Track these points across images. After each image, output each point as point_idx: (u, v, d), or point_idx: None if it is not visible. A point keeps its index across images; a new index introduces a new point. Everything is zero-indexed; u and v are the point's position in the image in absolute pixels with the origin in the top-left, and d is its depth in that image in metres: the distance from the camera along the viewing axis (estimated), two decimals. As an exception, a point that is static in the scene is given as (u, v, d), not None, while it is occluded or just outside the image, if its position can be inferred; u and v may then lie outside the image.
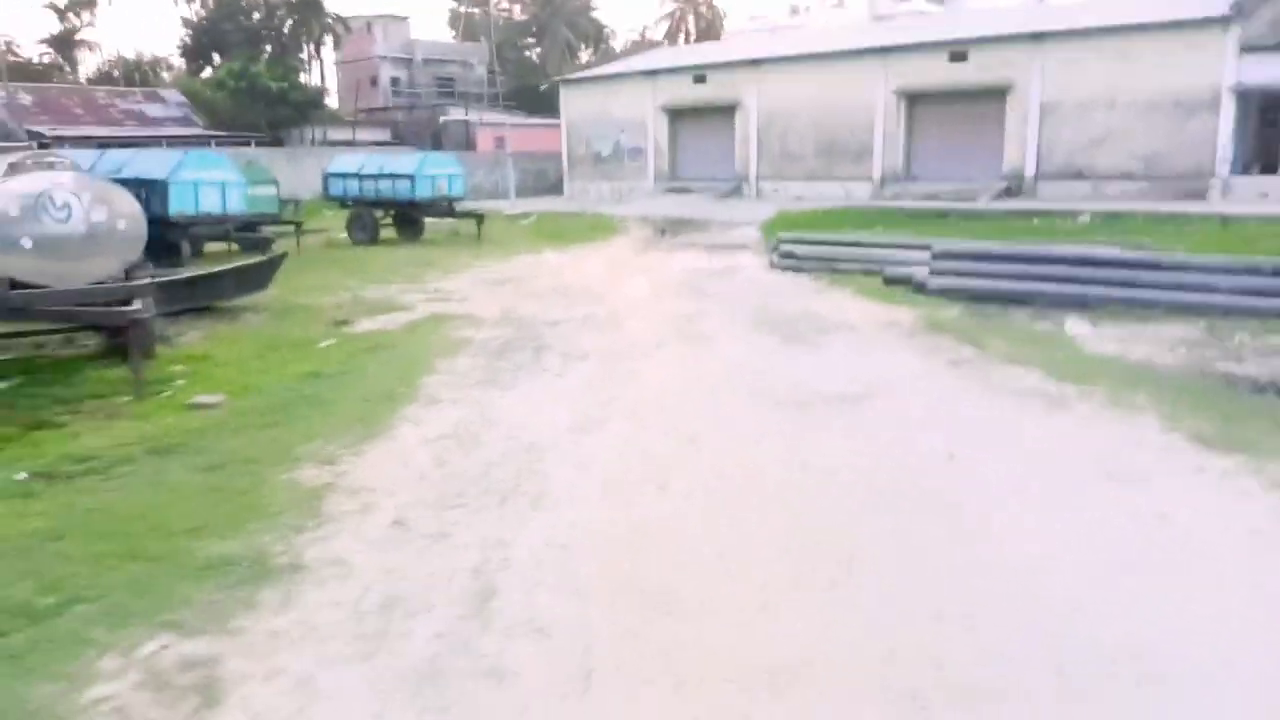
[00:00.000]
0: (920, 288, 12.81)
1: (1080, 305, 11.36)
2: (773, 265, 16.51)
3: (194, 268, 14.20)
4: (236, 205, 16.94)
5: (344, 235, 22.95)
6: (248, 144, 38.09)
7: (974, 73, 30.23)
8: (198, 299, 11.64)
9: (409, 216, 23.36)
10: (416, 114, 49.50)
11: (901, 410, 7.21)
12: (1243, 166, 26.80)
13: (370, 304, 13.25)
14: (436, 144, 45.80)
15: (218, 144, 37.62)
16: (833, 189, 32.99)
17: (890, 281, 13.57)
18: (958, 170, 30.80)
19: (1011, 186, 29.65)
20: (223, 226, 16.79)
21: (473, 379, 8.49)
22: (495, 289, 14.75)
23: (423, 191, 21.94)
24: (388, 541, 4.86)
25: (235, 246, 17.36)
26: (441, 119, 45.16)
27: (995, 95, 29.83)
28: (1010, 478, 5.62)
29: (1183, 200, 25.98)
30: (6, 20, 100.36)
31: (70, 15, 53.47)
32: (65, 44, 54.66)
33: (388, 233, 23.73)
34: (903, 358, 8.95)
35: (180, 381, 8.37)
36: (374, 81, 56.38)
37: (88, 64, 55.38)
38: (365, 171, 22.59)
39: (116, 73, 51.86)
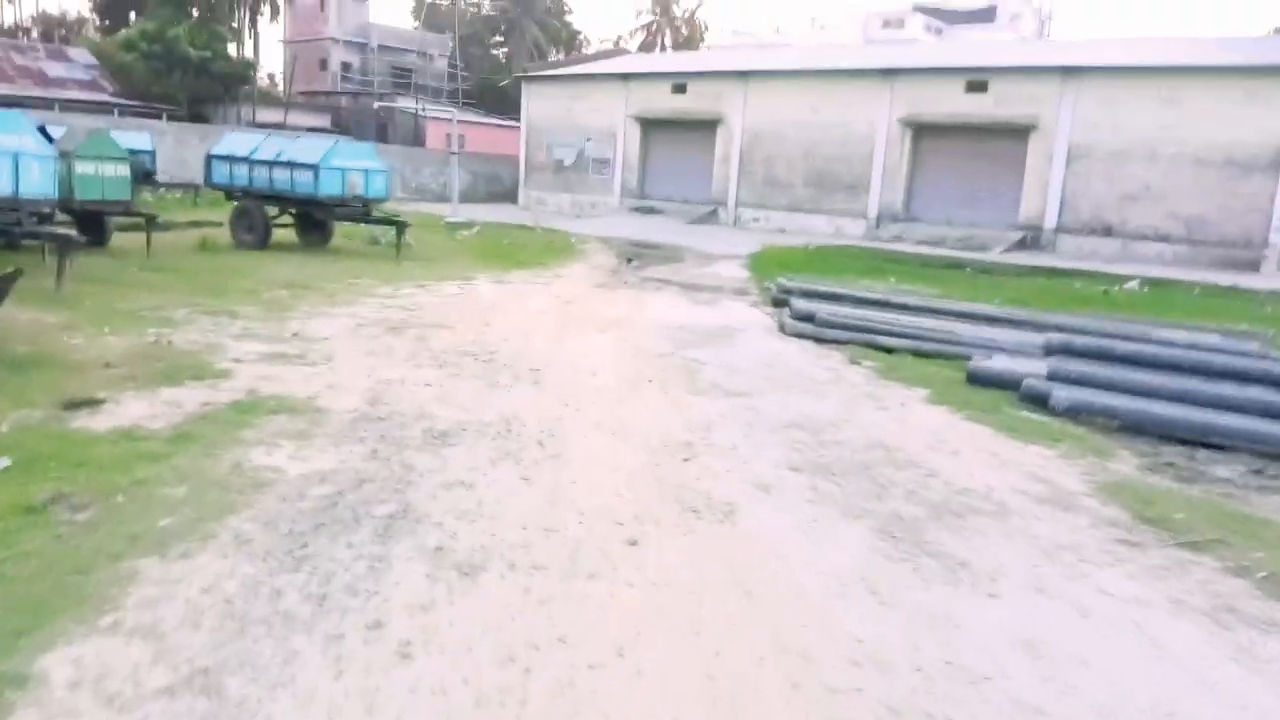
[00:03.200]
0: (1033, 398, 8.04)
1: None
2: (783, 329, 11.65)
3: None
4: (36, 186, 11.61)
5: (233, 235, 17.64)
6: (159, 117, 32.35)
7: (993, 105, 25.90)
8: None
9: (313, 218, 18.09)
10: (363, 102, 43.97)
11: None
12: (1296, 237, 22.67)
13: (170, 360, 8.07)
14: (382, 136, 40.41)
15: (122, 113, 31.87)
16: (821, 223, 28.45)
17: (977, 382, 8.77)
18: (965, 214, 26.47)
19: (1027, 238, 25.31)
20: (10, 215, 11.45)
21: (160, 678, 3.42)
22: (383, 341, 9.64)
23: (328, 187, 16.71)
24: None
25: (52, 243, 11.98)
26: (375, 105, 39.63)
27: (1016, 133, 25.54)
28: None
29: (1226, 270, 21.78)
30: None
31: (-13, -39, 46.86)
32: (-22, -7, 48.02)
33: (285, 236, 18.45)
34: (1161, 624, 4.09)
35: None
36: (323, 64, 50.76)
37: (5, 16, 48.75)
38: (258, 156, 17.29)
39: (36, 31, 45.52)
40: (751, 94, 30.44)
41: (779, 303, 14.16)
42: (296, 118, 39.38)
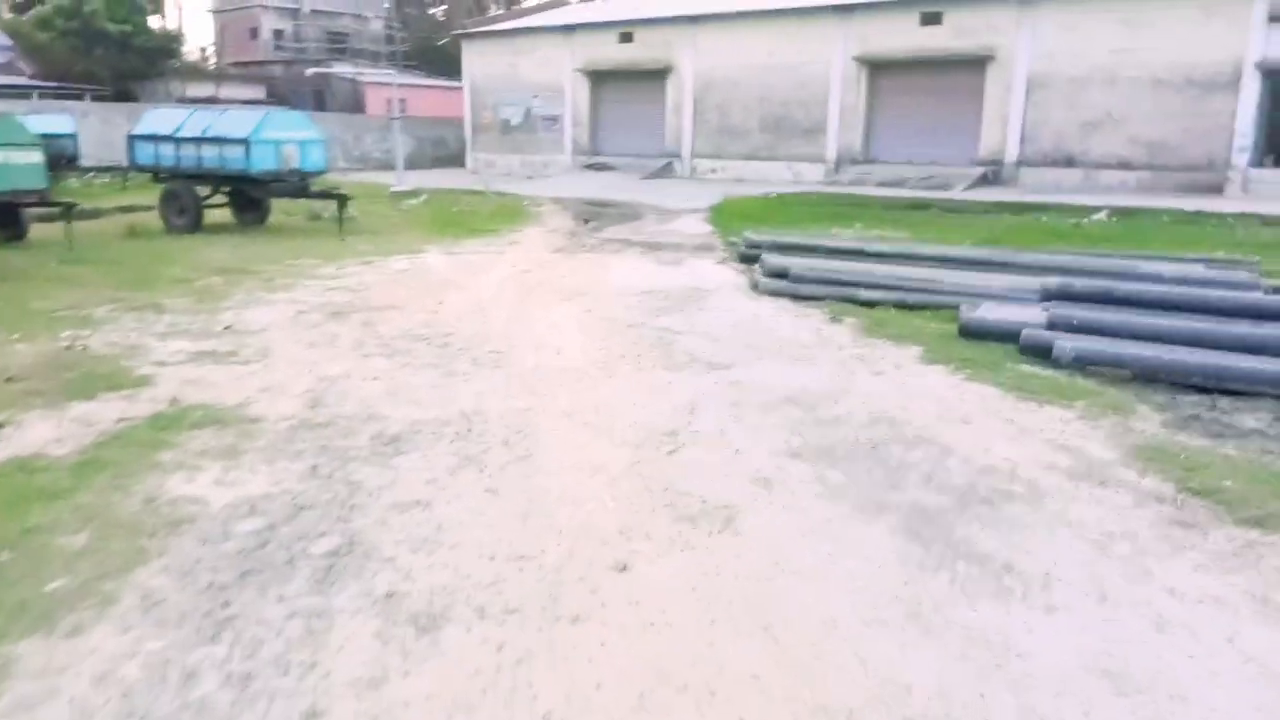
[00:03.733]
0: (1034, 350, 7.41)
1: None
2: (756, 287, 10.92)
3: None
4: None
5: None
6: (81, 97, 30.55)
7: (949, 38, 25.15)
8: None
9: (247, 196, 16.95)
10: (297, 70, 42.11)
11: None
12: (1258, 158, 22.30)
13: (85, 368, 7.16)
14: (320, 104, 38.76)
15: (43, 96, 30.05)
16: (779, 170, 27.68)
17: (971, 334, 8.13)
18: (926, 152, 25.83)
19: (989, 173, 24.75)
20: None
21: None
22: (326, 330, 8.77)
23: (261, 162, 15.58)
24: None
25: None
26: (307, 71, 37.88)
27: (973, 65, 24.84)
28: None
29: (1192, 195, 21.38)
30: None
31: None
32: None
33: (220, 216, 17.30)
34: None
35: None
36: (254, 33, 48.55)
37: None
38: (184, 134, 16.07)
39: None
40: (702, 39, 29.36)
41: (747, 258, 13.43)
42: (229, 90, 37.57)
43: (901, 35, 25.79)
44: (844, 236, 16.04)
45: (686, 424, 5.83)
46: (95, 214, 16.30)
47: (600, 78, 32.13)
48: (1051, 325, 7.65)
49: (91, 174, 25.84)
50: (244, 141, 15.44)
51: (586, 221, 19.47)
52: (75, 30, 31.77)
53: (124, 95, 33.79)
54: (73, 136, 23.25)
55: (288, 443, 5.46)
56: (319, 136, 16.74)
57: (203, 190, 16.57)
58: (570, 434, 5.65)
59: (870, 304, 9.88)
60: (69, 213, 13.67)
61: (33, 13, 33.04)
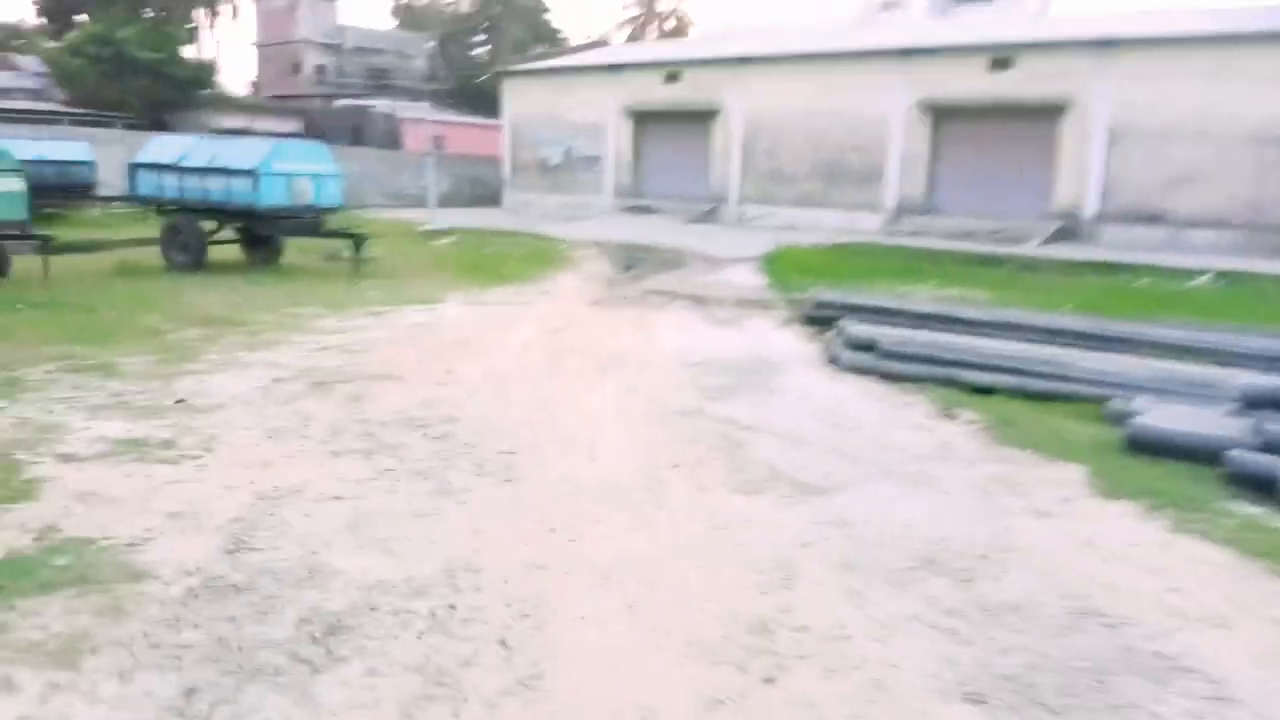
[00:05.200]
0: (1248, 480, 5.29)
1: None
2: (835, 361, 8.87)
3: None
4: None
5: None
6: (111, 125, 29.44)
7: (1021, 84, 23.14)
8: None
9: (257, 233, 15.26)
10: (336, 104, 41.05)
11: None
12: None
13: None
14: (357, 139, 37.54)
15: (71, 122, 28.97)
16: (832, 218, 25.69)
17: (1143, 448, 6.01)
18: (993, 204, 23.72)
19: (1064, 228, 22.57)
20: None
21: None
22: (300, 408, 6.84)
23: (270, 196, 13.87)
24: None
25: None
26: (336, 103, 36.62)
27: (1047, 113, 22.78)
28: None
29: (1293, 258, 19.05)
30: None
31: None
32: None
33: (230, 254, 15.61)
34: None
35: None
36: (296, 68, 47.85)
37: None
38: (189, 163, 14.45)
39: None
40: (752, 80, 27.60)
41: (815, 320, 11.42)
42: (265, 122, 36.45)
43: (969, 80, 23.84)
44: (919, 296, 13.98)
45: (783, 609, 3.77)
46: (91, 247, 14.60)
47: (644, 118, 30.49)
48: (1270, 447, 5.52)
49: (115, 203, 24.46)
50: (251, 173, 13.77)
51: (627, 268, 17.58)
52: (108, 58, 30.79)
53: (158, 125, 32.74)
54: (90, 164, 21.89)
55: (170, 629, 3.47)
56: (335, 170, 15.03)
57: (209, 225, 14.93)
58: (605, 627, 3.62)
59: (986, 390, 7.81)
60: (46, 247, 11.99)
61: (65, 39, 32.26)
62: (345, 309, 11.56)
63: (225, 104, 37.52)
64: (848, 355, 8.65)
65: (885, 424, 6.81)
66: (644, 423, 6.68)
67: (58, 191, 21.44)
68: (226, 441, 5.96)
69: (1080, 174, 22.50)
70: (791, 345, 10.16)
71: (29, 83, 31.84)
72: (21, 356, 8.18)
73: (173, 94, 33.53)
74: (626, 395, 7.52)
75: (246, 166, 13.80)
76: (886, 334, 8.72)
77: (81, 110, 30.20)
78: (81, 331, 9.42)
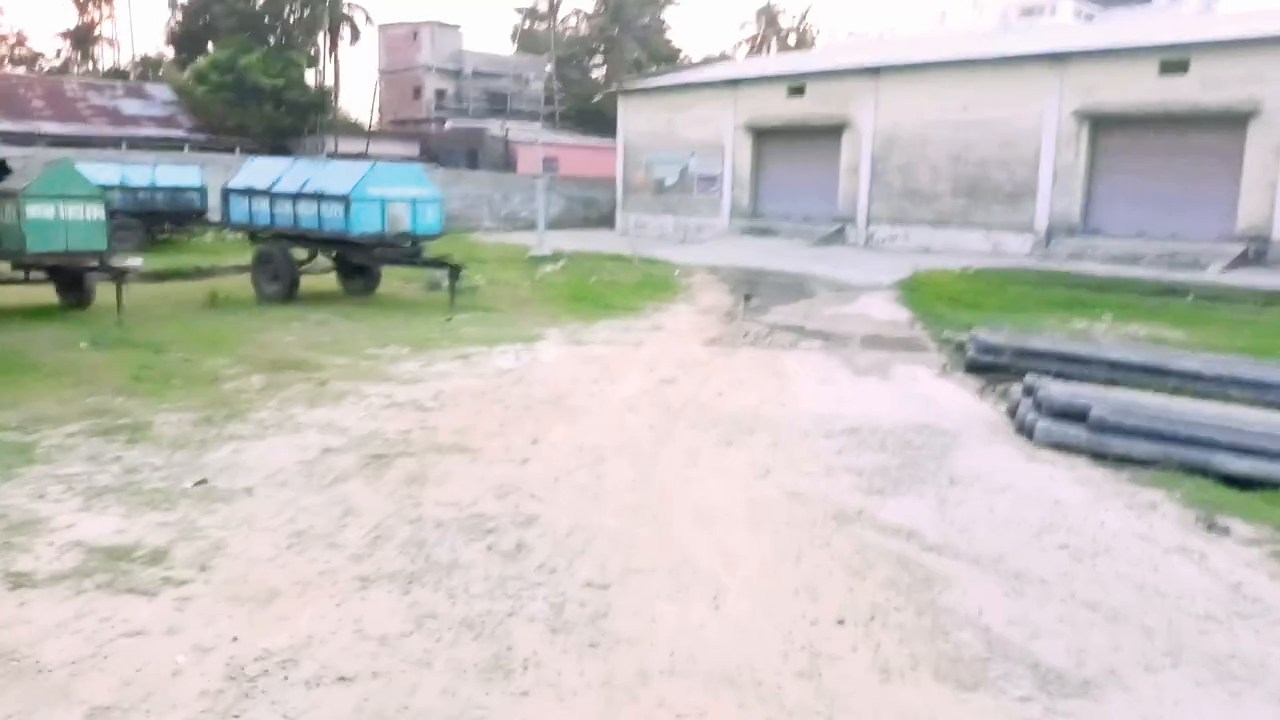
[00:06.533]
0: None
1: None
2: (1027, 431, 6.84)
3: None
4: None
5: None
6: (232, 150, 29.56)
7: (1197, 89, 20.24)
8: None
9: (351, 261, 14.17)
10: (454, 128, 40.71)
11: None
12: None
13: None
14: (472, 163, 37.02)
15: (193, 148, 29.21)
16: (975, 239, 23.25)
17: None
18: (1162, 223, 20.85)
19: (1250, 250, 19.53)
20: None
21: None
22: (341, 495, 5.31)
23: (363, 223, 12.71)
24: None
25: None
26: (447, 124, 35.98)
27: (1228, 122, 19.83)
28: None
29: None
30: (22, 11, 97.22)
31: (90, 7, 45.82)
32: (83, 39, 47.05)
33: (326, 284, 14.59)
34: None
35: None
36: (417, 93, 48.07)
37: (105, 61, 47.72)
38: (281, 189, 13.46)
39: (132, 73, 44.11)
40: (884, 92, 25.42)
41: (980, 367, 9.37)
42: (383, 147, 36.34)
43: (1134, 86, 21.06)
44: (1103, 337, 11.68)
45: None
46: (182, 275, 13.80)
47: (764, 135, 28.66)
48: None
49: (227, 229, 24.23)
50: (344, 199, 12.64)
51: (747, 299, 15.75)
52: (230, 85, 31.10)
53: (278, 150, 32.94)
54: (201, 190, 21.55)
55: None
56: (435, 195, 13.79)
57: (301, 254, 13.92)
58: None
59: (1242, 483, 5.69)
60: (118, 277, 11.07)
61: (191, 68, 32.95)
62: (432, 348, 10.17)
63: (344, 129, 37.64)
64: (1048, 426, 6.60)
65: (1134, 544, 4.78)
66: (785, 536, 4.86)
67: (169, 216, 21.17)
68: (233, 553, 4.47)
69: (1270, 190, 19.44)
70: (959, 403, 8.15)
71: (158, 110, 32.54)
72: (50, 413, 7.00)
73: (293, 120, 33.75)
74: (758, 485, 5.72)
75: (339, 192, 12.69)
76: (1100, 399, 6.63)
77: (204, 136, 30.55)
78: (134, 379, 8.27)
